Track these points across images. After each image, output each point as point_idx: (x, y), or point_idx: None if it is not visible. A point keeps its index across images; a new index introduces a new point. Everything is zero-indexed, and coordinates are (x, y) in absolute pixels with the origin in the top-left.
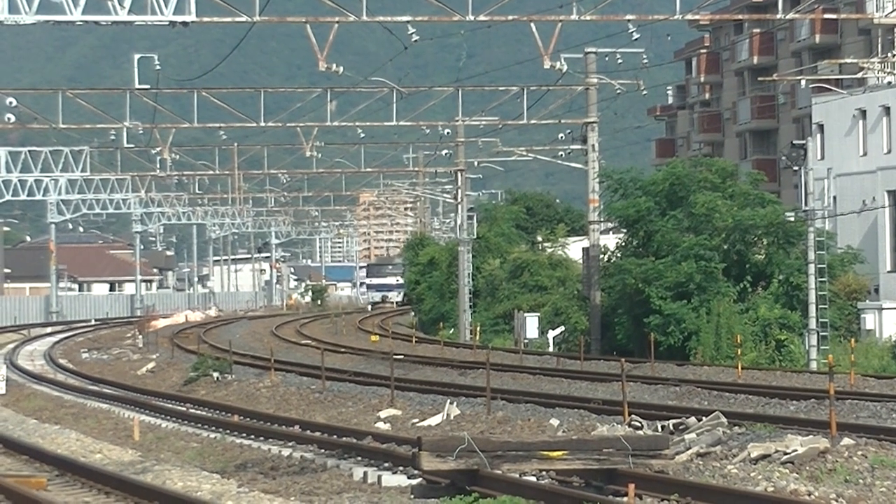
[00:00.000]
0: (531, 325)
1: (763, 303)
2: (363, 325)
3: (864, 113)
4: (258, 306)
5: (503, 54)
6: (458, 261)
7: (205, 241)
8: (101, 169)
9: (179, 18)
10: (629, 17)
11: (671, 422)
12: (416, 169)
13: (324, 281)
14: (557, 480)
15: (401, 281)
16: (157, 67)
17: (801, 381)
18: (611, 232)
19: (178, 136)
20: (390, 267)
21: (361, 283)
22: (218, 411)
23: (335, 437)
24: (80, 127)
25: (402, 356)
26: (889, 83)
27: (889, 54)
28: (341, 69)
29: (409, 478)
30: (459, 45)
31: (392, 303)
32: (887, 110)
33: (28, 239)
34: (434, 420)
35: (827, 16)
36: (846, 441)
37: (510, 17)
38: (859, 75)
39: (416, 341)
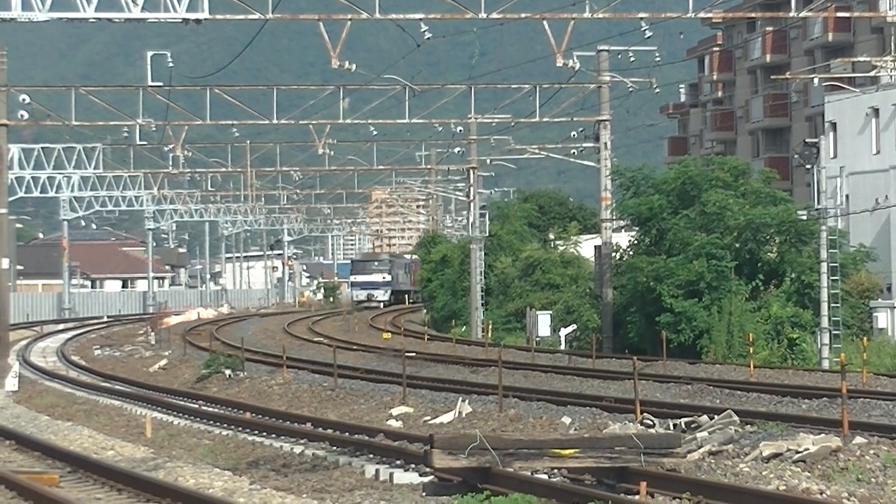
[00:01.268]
0: (543, 322)
1: (775, 301)
2: (375, 322)
3: (876, 111)
4: (270, 303)
5: (516, 52)
6: (471, 258)
7: (217, 239)
8: (113, 166)
9: (192, 16)
10: (642, 15)
11: (683, 420)
12: (429, 167)
13: (336, 278)
14: (569, 478)
15: (388, 278)
16: (170, 65)
17: (813, 380)
18: (623, 230)
19: (191, 133)
20: (376, 263)
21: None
22: (230, 408)
23: (347, 434)
24: (93, 124)
25: (414, 354)
26: None
27: None
28: (354, 67)
29: (420, 475)
30: (472, 43)
31: (379, 303)
32: None
33: (41, 236)
34: (446, 418)
35: (840, 14)
36: (858, 440)
37: (523, 15)
38: (872, 73)
39: (428, 339)
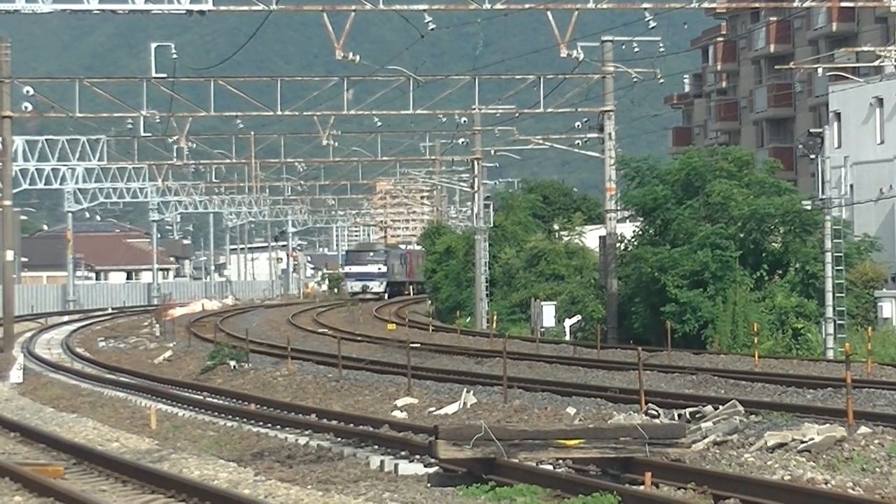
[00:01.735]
0: (548, 313)
1: (780, 291)
2: (380, 313)
3: (881, 101)
4: (275, 295)
5: (520, 42)
6: (475, 249)
7: (222, 230)
8: (118, 158)
9: (196, 7)
10: (646, 5)
11: (688, 410)
12: (433, 157)
13: (340, 269)
14: (574, 469)
15: (383, 269)
16: (174, 56)
17: (817, 370)
18: (627, 220)
19: (195, 124)
20: (371, 254)
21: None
22: (235, 400)
23: (352, 425)
24: (97, 116)
25: (418, 344)
26: None
27: None
28: (358, 58)
29: (425, 466)
30: (476, 34)
31: (376, 294)
32: None
33: (45, 228)
34: (451, 408)
35: (844, 4)
36: (863, 430)
37: (527, 6)
38: (876, 63)
39: (432, 330)
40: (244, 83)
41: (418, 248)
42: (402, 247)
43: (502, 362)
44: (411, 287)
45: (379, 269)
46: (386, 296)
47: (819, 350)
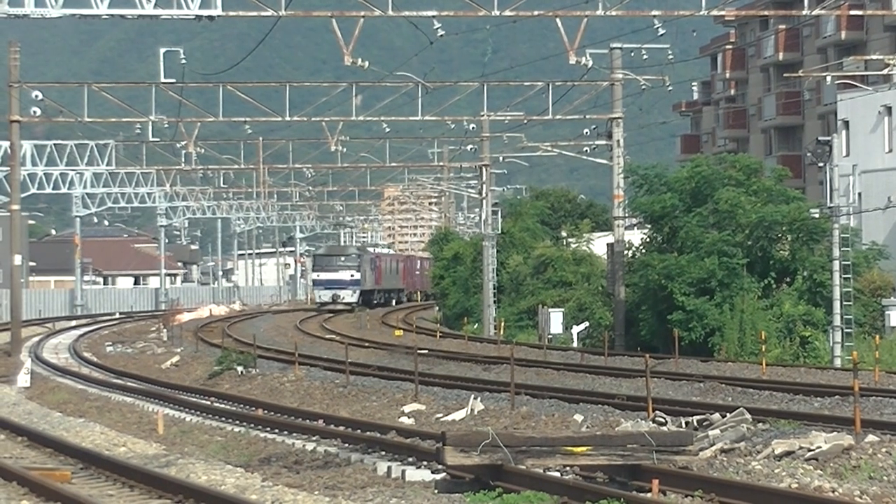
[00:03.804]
0: (555, 320)
1: (787, 299)
2: (387, 319)
3: (889, 109)
4: (282, 300)
5: (528, 49)
6: (483, 256)
7: (229, 235)
8: (126, 162)
9: (205, 13)
10: (655, 12)
11: (695, 418)
12: (441, 164)
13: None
14: (581, 476)
15: (356, 276)
16: (183, 61)
17: (825, 378)
18: (635, 227)
19: (204, 129)
20: (342, 259)
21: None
22: (242, 405)
23: (359, 431)
24: (106, 120)
25: (426, 351)
26: None
27: None
28: (367, 64)
29: (433, 473)
30: (485, 40)
31: (347, 305)
32: None
33: (53, 232)
34: (458, 415)
35: (853, 12)
36: (871, 438)
37: (536, 13)
38: (885, 72)
39: (440, 336)
40: (253, 89)
41: (387, 250)
42: (371, 249)
43: (510, 369)
44: (380, 296)
45: (352, 275)
46: (394, 302)
47: (827, 358)
